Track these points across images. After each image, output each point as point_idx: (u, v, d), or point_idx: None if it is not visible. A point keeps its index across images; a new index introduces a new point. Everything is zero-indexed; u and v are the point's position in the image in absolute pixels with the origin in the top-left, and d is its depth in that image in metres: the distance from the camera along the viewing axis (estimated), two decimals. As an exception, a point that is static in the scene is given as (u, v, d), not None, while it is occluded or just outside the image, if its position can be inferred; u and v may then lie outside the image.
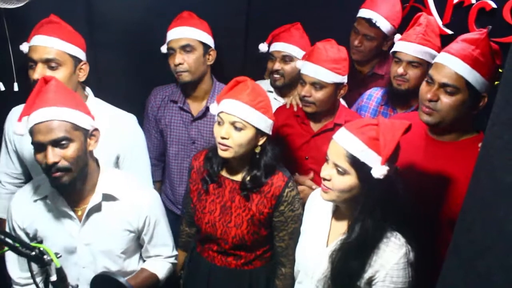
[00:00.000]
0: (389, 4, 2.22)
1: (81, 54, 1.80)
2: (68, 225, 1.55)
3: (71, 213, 1.53)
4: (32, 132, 1.38)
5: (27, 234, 1.58)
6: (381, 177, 1.28)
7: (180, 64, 1.98)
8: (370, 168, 1.29)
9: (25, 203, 1.56)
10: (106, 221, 1.56)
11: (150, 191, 1.69)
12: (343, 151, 1.33)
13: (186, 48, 1.98)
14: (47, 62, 1.69)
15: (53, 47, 1.69)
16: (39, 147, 1.39)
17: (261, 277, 1.81)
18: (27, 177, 1.96)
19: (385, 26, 2.20)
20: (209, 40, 2.05)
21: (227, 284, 1.80)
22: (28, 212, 1.56)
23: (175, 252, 1.80)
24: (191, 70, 2.00)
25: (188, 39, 1.98)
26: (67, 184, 1.43)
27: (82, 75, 1.80)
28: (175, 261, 1.82)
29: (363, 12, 2.23)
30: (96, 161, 1.58)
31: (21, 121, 1.40)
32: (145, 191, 1.66)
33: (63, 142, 1.37)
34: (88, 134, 1.46)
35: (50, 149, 1.37)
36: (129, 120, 1.93)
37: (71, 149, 1.39)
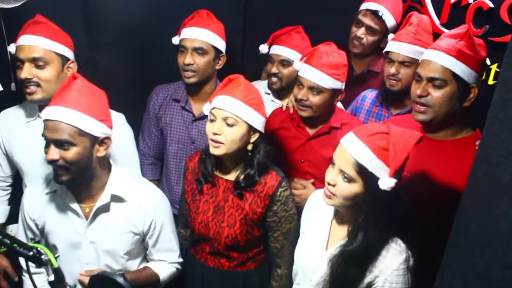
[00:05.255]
0: (393, 1, 2.23)
1: (69, 53, 1.80)
2: (74, 221, 1.56)
3: (78, 210, 1.55)
4: (43, 125, 1.43)
5: (36, 225, 1.60)
6: (388, 189, 1.25)
7: (190, 64, 1.98)
8: (377, 179, 1.27)
9: (36, 195, 1.59)
10: (112, 222, 1.57)
11: (158, 194, 1.68)
12: (351, 158, 1.29)
13: (199, 51, 1.98)
14: (34, 61, 1.69)
15: (39, 45, 1.70)
16: (46, 141, 1.43)
17: (254, 278, 1.81)
18: (15, 180, 1.97)
19: (389, 20, 2.20)
20: (222, 45, 2.06)
21: (221, 285, 1.80)
22: (39, 204, 1.58)
23: (181, 259, 1.77)
24: (199, 73, 2.01)
25: (203, 42, 1.98)
26: (65, 182, 1.46)
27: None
28: (180, 268, 1.79)
29: (369, 5, 2.22)
30: (108, 162, 1.59)
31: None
32: (154, 194, 1.65)
33: (65, 144, 1.40)
34: (97, 141, 1.47)
35: (52, 146, 1.41)
36: (118, 118, 1.92)
37: (72, 152, 1.41)
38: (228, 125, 1.56)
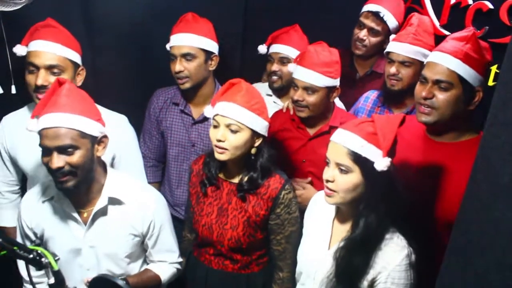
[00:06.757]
0: (394, 2, 2.25)
1: (79, 59, 1.80)
2: (73, 227, 1.55)
3: (76, 216, 1.54)
4: (40, 135, 1.40)
5: (35, 233, 1.59)
6: (385, 168, 1.29)
7: (180, 71, 1.97)
8: (372, 163, 1.31)
9: (33, 203, 1.58)
10: (111, 225, 1.56)
11: (156, 195, 1.68)
12: (343, 149, 1.34)
13: (187, 57, 1.97)
14: (50, 68, 1.69)
15: (55, 53, 1.70)
16: (46, 150, 1.40)
17: (258, 281, 1.81)
18: (22, 182, 1.97)
19: (391, 21, 2.21)
20: (212, 46, 2.03)
21: (225, 287, 1.80)
22: (36, 212, 1.57)
23: (181, 259, 1.77)
24: (191, 78, 2.00)
25: (189, 47, 1.96)
26: (71, 188, 1.44)
27: (79, 80, 1.81)
28: (180, 268, 1.79)
29: (371, 6, 2.23)
30: (104, 164, 1.59)
31: (33, 118, 1.41)
32: (151, 195, 1.65)
33: (69, 149, 1.39)
34: (96, 141, 1.47)
35: (55, 154, 1.38)
36: (121, 120, 1.93)
37: (77, 156, 1.40)
38: (231, 131, 1.57)
